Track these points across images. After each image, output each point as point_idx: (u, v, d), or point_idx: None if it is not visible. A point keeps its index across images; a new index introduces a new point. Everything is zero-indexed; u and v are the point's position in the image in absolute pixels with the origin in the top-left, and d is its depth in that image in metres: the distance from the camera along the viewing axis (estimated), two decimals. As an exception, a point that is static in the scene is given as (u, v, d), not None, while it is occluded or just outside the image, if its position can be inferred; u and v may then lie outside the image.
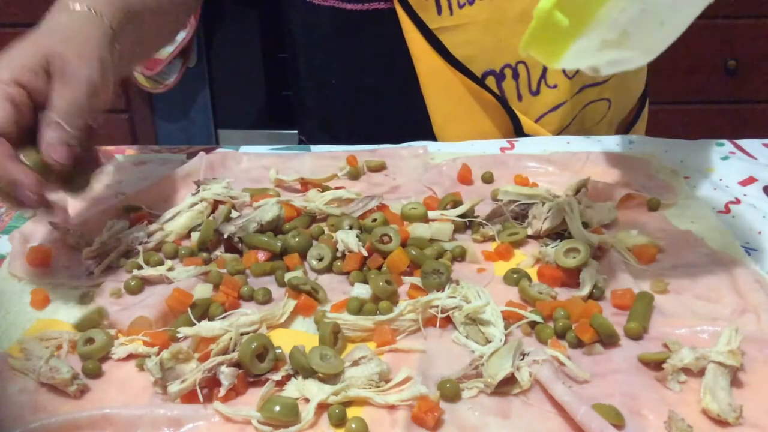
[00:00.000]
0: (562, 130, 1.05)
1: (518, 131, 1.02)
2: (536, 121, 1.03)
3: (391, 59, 1.01)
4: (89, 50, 0.71)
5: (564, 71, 1.00)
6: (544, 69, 1.00)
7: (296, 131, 1.26)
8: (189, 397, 0.58)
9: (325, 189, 0.86)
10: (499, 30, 0.97)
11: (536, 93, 1.01)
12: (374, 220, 0.79)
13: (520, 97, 1.01)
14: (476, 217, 0.81)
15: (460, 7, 0.95)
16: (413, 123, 1.02)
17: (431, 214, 0.81)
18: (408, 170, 0.93)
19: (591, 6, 0.62)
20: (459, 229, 0.81)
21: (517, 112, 1.01)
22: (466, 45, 0.98)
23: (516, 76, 1.00)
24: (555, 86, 1.01)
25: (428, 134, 1.02)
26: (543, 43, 0.64)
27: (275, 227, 0.79)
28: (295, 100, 1.22)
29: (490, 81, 1.00)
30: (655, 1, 0.63)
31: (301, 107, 1.19)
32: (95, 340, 0.63)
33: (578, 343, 0.64)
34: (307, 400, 0.58)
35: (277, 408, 0.56)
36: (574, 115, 1.05)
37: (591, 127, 1.09)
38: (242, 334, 0.63)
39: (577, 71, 1.01)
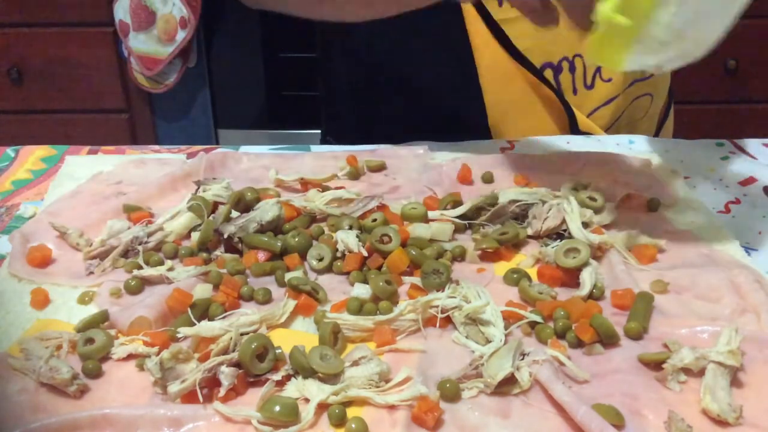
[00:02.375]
0: (612, 125, 1.06)
1: (573, 126, 1.02)
2: (589, 115, 1.03)
3: (449, 51, 1.01)
4: None
5: None
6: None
7: (319, 131, 1.25)
8: (189, 397, 0.58)
9: (325, 189, 0.86)
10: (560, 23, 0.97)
11: (591, 87, 1.02)
12: (374, 220, 0.79)
13: (575, 91, 1.02)
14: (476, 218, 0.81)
15: None
16: (466, 118, 1.02)
17: (431, 214, 0.81)
18: (408, 170, 0.93)
19: (645, 8, 0.63)
20: (459, 229, 0.81)
21: (573, 108, 1.01)
22: (527, 37, 0.98)
23: (572, 69, 1.00)
24: (609, 80, 1.02)
25: (482, 130, 1.02)
26: (606, 47, 0.66)
27: (275, 227, 0.79)
28: (325, 99, 1.21)
29: (548, 74, 1.00)
30: (706, 3, 0.64)
31: (332, 105, 1.19)
32: (95, 340, 0.63)
33: (578, 343, 0.64)
34: (307, 400, 0.58)
35: (277, 408, 0.56)
36: (624, 109, 1.06)
37: (636, 122, 1.10)
38: (242, 334, 0.63)
39: None
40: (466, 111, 1.02)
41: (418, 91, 1.06)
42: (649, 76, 1.06)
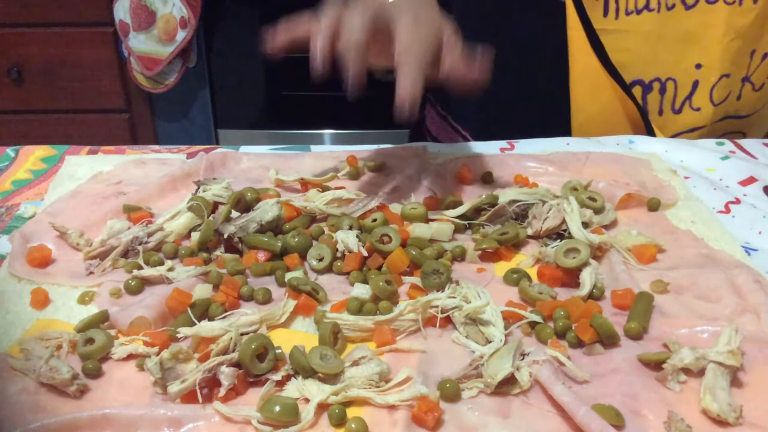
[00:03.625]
0: None
1: None
2: (671, 137, 1.03)
3: (547, 51, 1.01)
4: None
5: (711, 97, 1.01)
6: (692, 91, 1.01)
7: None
8: (189, 397, 0.58)
9: (325, 189, 0.86)
10: (659, 44, 0.98)
11: (678, 111, 1.02)
12: (374, 220, 0.79)
13: (661, 112, 1.02)
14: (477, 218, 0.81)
15: (627, 14, 0.96)
16: (550, 117, 1.03)
17: (431, 214, 0.81)
18: (408, 170, 0.93)
19: None
20: (459, 229, 0.81)
21: (655, 128, 1.02)
22: (623, 51, 0.99)
23: (663, 91, 1.01)
24: (698, 109, 1.02)
25: (562, 132, 1.03)
26: None
27: (275, 227, 0.79)
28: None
29: (636, 90, 1.01)
30: None
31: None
32: (95, 340, 0.63)
33: (578, 343, 0.64)
34: (307, 400, 0.58)
35: (277, 408, 0.56)
36: None
37: None
38: (242, 334, 0.63)
39: (725, 99, 1.02)
40: (553, 112, 1.03)
41: (511, 80, 1.06)
42: (744, 115, 1.06)
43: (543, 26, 1.00)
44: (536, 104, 1.06)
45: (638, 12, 0.96)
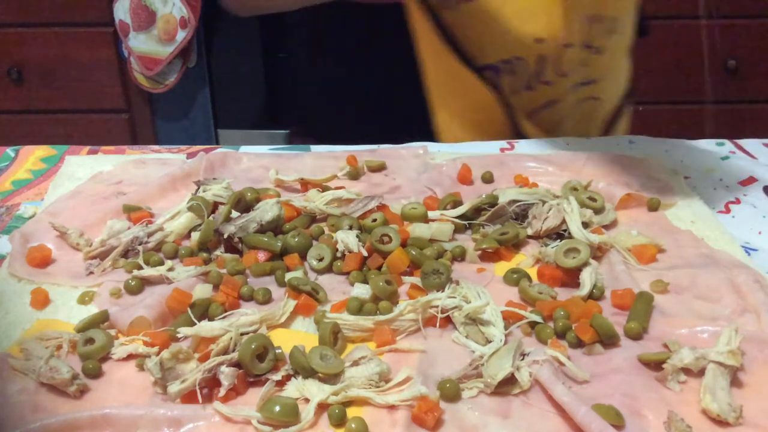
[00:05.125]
0: (554, 128, 1.06)
1: (514, 127, 1.02)
2: (530, 116, 1.04)
3: (395, 51, 1.01)
4: None
5: (558, 69, 1.01)
6: (539, 66, 1.01)
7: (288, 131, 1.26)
8: (189, 397, 0.58)
9: (325, 189, 0.86)
10: (499, 25, 0.97)
11: (530, 88, 1.02)
12: (374, 220, 0.79)
13: (515, 92, 1.02)
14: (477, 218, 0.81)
15: (466, 1, 0.95)
16: (413, 119, 1.02)
17: (431, 214, 0.81)
18: (408, 170, 0.93)
19: None
20: (459, 229, 0.81)
21: (515, 108, 1.02)
22: (467, 39, 0.98)
23: (512, 71, 1.00)
24: (549, 83, 1.02)
25: (427, 131, 1.02)
26: None
27: (275, 227, 0.79)
28: (289, 98, 1.22)
29: (488, 75, 1.01)
30: None
31: (296, 105, 1.20)
32: (95, 340, 0.63)
33: (578, 343, 0.64)
34: (307, 400, 0.58)
35: (277, 408, 0.56)
36: (566, 112, 1.06)
37: (581, 126, 1.10)
38: (242, 334, 0.63)
39: (572, 70, 1.02)
40: (414, 110, 1.03)
41: (369, 90, 1.07)
42: (591, 80, 1.06)
43: (390, 28, 1.00)
44: (398, 110, 1.06)
45: None
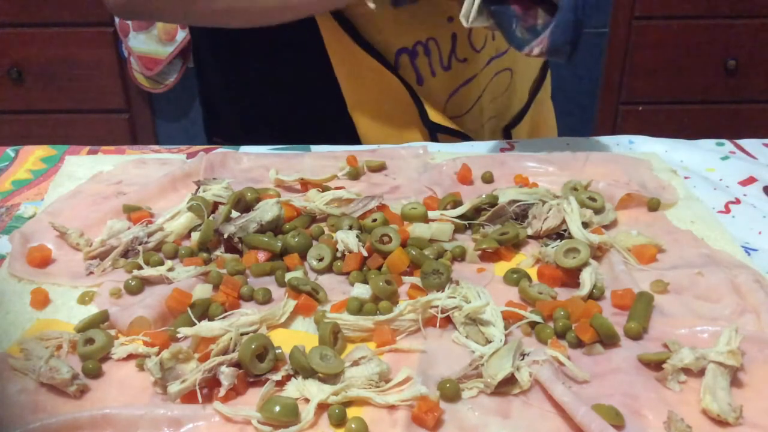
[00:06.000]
0: (475, 103, 1.07)
1: (423, 116, 1.03)
2: (451, 95, 1.04)
3: (306, 49, 1.01)
4: None
5: (471, 45, 1.02)
6: (453, 44, 1.02)
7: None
8: (189, 397, 0.58)
9: (325, 189, 0.86)
10: (409, 9, 0.97)
11: (448, 68, 1.03)
12: (374, 220, 0.79)
13: (433, 73, 1.03)
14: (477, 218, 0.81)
15: None
16: (330, 111, 1.03)
17: (431, 214, 0.81)
18: (408, 170, 0.93)
19: None
20: (459, 229, 0.81)
21: (432, 91, 1.03)
22: (377, 27, 0.98)
23: (428, 52, 1.01)
24: (465, 60, 1.03)
25: (349, 125, 1.03)
26: None
27: (275, 227, 0.79)
28: (205, 100, 1.22)
29: (404, 59, 1.01)
30: None
31: (212, 106, 1.19)
32: (95, 340, 0.63)
33: (578, 343, 0.64)
34: (307, 400, 0.58)
35: (277, 408, 0.56)
36: (485, 86, 1.08)
37: (498, 97, 1.11)
38: (242, 334, 0.63)
39: (484, 43, 1.04)
40: (328, 102, 1.03)
41: (283, 89, 1.07)
42: (503, 52, 1.07)
43: (294, 26, 0.98)
44: (314, 104, 1.06)
45: None
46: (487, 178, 0.90)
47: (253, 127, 1.12)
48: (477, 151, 0.98)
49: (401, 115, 1.03)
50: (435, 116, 1.04)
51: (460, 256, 0.77)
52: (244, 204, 0.81)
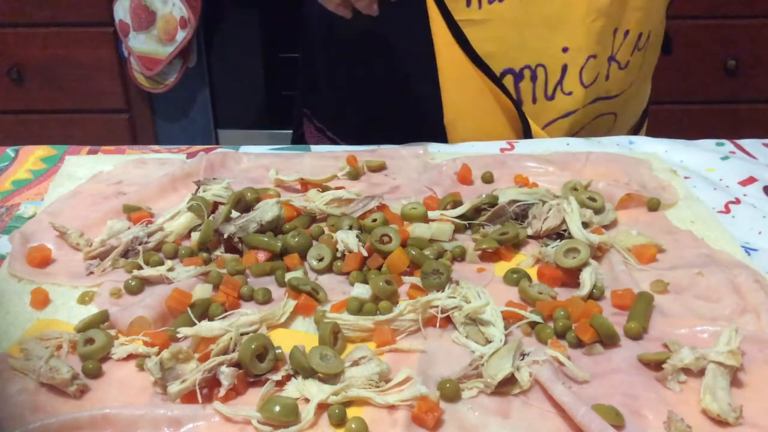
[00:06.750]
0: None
1: (527, 134, 1.02)
2: (545, 126, 1.03)
3: (413, 48, 1.01)
4: None
5: (581, 79, 1.01)
6: (562, 76, 1.00)
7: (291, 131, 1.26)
8: (189, 397, 0.58)
9: (325, 189, 0.86)
10: (525, 30, 0.97)
11: (551, 98, 1.02)
12: (374, 220, 0.79)
13: (534, 100, 1.02)
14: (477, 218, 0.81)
15: (490, 2, 0.96)
16: (424, 115, 1.02)
17: (431, 214, 0.81)
18: (408, 170, 0.93)
19: None
20: (459, 229, 0.81)
21: (529, 117, 1.02)
22: (490, 41, 0.98)
23: (534, 78, 1.00)
24: (570, 93, 1.02)
25: (437, 128, 1.02)
26: None
27: (275, 227, 0.79)
28: (300, 97, 1.21)
29: (508, 80, 1.00)
30: None
31: (306, 103, 1.19)
32: (95, 340, 0.63)
33: (578, 343, 0.64)
34: (307, 400, 0.58)
35: (277, 408, 0.56)
36: (583, 125, 1.06)
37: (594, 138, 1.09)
38: (242, 334, 0.63)
39: (594, 80, 1.02)
40: (425, 106, 1.03)
41: (381, 81, 1.06)
42: (613, 95, 1.06)
43: (405, 24, 0.99)
44: (409, 105, 1.06)
45: (500, 0, 0.96)
46: (487, 178, 0.90)
47: (344, 114, 1.11)
48: (477, 151, 0.98)
49: (501, 131, 1.03)
50: (538, 135, 1.02)
51: (460, 256, 0.76)
52: (244, 204, 0.81)
